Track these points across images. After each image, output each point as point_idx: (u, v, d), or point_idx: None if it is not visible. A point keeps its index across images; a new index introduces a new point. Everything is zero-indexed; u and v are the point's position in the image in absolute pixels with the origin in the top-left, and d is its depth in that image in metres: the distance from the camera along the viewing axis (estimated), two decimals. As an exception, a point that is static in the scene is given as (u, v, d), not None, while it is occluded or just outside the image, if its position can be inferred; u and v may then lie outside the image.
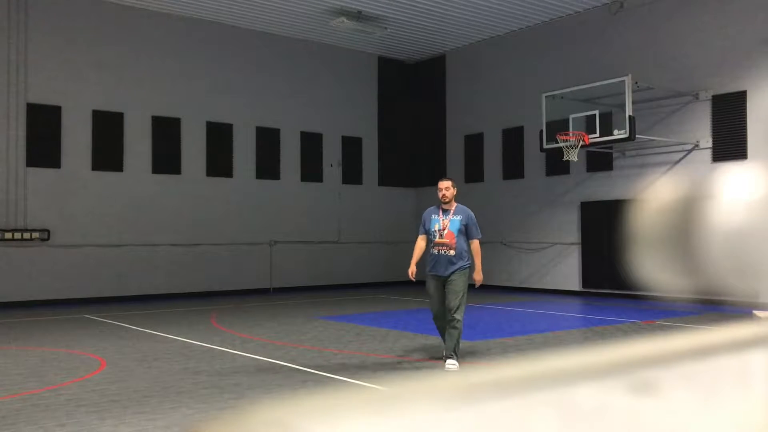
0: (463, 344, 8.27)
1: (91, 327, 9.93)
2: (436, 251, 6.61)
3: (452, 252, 6.52)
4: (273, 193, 16.16)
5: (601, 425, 0.45)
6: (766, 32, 12.00)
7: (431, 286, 6.67)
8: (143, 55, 14.55)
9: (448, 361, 6.48)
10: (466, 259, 6.65)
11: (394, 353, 7.58)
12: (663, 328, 9.57)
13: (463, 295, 6.59)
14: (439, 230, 6.61)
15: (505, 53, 16.36)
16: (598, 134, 12.62)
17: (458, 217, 6.69)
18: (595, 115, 12.75)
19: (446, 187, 6.76)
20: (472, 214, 6.84)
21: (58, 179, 13.55)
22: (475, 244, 6.76)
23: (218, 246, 15.30)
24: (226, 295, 14.93)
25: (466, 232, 6.70)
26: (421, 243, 6.85)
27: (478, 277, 6.78)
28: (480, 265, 6.75)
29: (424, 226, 6.81)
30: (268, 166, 16.17)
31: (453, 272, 6.53)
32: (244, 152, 15.86)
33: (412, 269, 6.79)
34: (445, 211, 6.72)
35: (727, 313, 10.56)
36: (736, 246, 0.57)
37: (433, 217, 6.75)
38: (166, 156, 14.79)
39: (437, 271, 6.58)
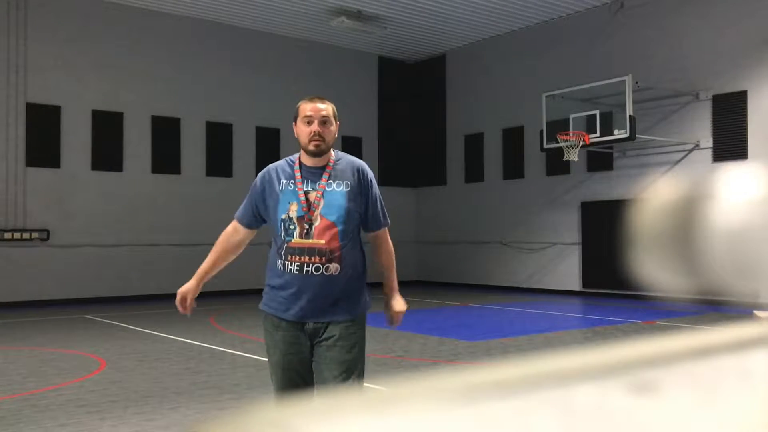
0: (464, 344, 8.28)
1: (91, 327, 9.93)
2: (295, 267, 2.93)
3: (334, 267, 2.92)
4: (273, 193, 16.15)
5: (601, 425, 0.45)
6: (766, 32, 12.00)
7: (277, 346, 3.00)
8: (143, 55, 14.54)
9: None
10: (363, 289, 3.08)
11: (394, 353, 7.58)
12: (663, 328, 9.57)
13: (361, 371, 3.02)
14: (298, 218, 2.94)
15: (505, 53, 16.36)
16: (598, 134, 12.62)
17: (343, 184, 3.00)
18: (595, 115, 12.76)
19: (323, 116, 3.02)
20: (370, 173, 3.10)
21: (58, 179, 13.55)
22: (383, 236, 3.16)
23: (218, 246, 15.27)
24: (226, 295, 14.93)
25: (359, 217, 3.04)
26: (231, 238, 3.20)
27: (399, 307, 3.16)
28: (395, 282, 3.20)
29: (254, 205, 3.10)
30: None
31: (339, 320, 2.97)
32: (243, 152, 15.86)
33: (187, 290, 3.50)
34: (313, 172, 3.02)
35: (727, 313, 10.56)
36: (737, 246, 0.57)
37: (281, 184, 3.02)
38: (165, 156, 14.79)
39: (296, 312, 2.95)
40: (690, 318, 10.28)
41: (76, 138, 13.76)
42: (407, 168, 18.54)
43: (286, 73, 16.43)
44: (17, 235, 12.98)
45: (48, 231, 13.33)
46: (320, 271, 2.94)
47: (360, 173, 3.06)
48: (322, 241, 2.93)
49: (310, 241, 2.93)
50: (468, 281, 16.89)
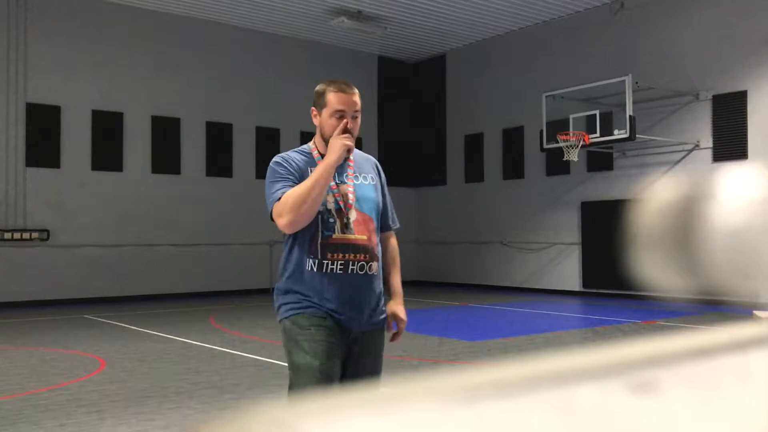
0: (464, 344, 8.28)
1: (91, 327, 9.93)
2: (338, 266, 2.64)
3: (375, 266, 2.73)
4: (273, 193, 16.15)
5: (601, 425, 0.45)
6: (766, 32, 12.00)
7: (320, 347, 2.61)
8: (143, 55, 14.54)
9: None
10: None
11: (394, 353, 7.57)
12: (663, 328, 9.57)
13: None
14: (336, 210, 2.68)
15: (505, 53, 16.36)
16: (598, 134, 12.63)
17: (369, 177, 2.85)
18: (595, 115, 12.76)
19: (356, 111, 2.76)
20: (382, 169, 3.00)
21: (58, 179, 13.55)
22: (394, 238, 3.05)
23: (218, 246, 15.29)
24: (226, 295, 14.93)
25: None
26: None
27: (405, 315, 2.90)
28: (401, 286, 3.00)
29: (295, 179, 2.69)
30: (267, 166, 16.16)
31: (377, 327, 2.80)
32: (243, 152, 15.86)
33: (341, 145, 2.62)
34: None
35: (727, 313, 10.56)
36: (737, 246, 0.57)
37: (307, 173, 2.72)
38: (165, 156, 14.79)
39: (341, 317, 2.65)
40: (690, 318, 10.28)
41: (76, 138, 13.76)
42: (407, 168, 18.54)
43: (286, 73, 16.43)
44: (17, 235, 12.98)
45: (48, 231, 13.33)
46: (364, 270, 2.68)
47: (378, 170, 2.93)
48: (364, 236, 2.68)
49: (353, 236, 2.66)
50: (468, 281, 16.89)
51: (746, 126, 12.20)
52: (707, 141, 12.65)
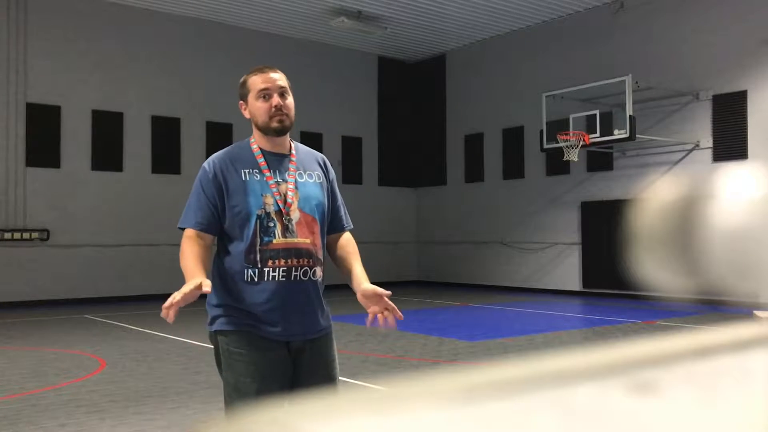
0: (464, 344, 8.28)
1: (91, 327, 9.93)
2: (280, 273, 2.47)
3: (320, 271, 2.61)
4: (273, 193, 16.15)
5: (601, 425, 0.45)
6: (766, 32, 12.00)
7: (258, 372, 2.42)
8: (143, 55, 14.54)
9: None
10: None
11: (394, 353, 7.58)
12: (663, 328, 9.57)
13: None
14: (276, 213, 2.50)
15: (505, 53, 16.36)
16: (598, 134, 12.63)
17: (314, 175, 2.65)
18: (595, 115, 12.77)
19: (281, 86, 2.61)
20: (332, 167, 2.82)
21: (58, 179, 13.55)
22: (349, 239, 2.91)
23: (218, 246, 15.28)
24: (226, 295, 14.92)
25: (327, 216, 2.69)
26: (203, 250, 2.59)
27: (378, 288, 2.56)
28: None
29: (212, 202, 2.54)
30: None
31: (322, 334, 2.60)
32: (244, 152, 15.86)
33: (175, 306, 2.38)
34: (277, 159, 2.64)
35: (727, 313, 10.56)
36: (737, 246, 0.57)
37: (242, 174, 2.58)
38: (165, 156, 14.79)
39: (285, 331, 2.47)
40: (690, 318, 10.28)
41: (76, 138, 13.76)
42: (407, 168, 18.54)
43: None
44: (17, 235, 12.98)
45: (48, 231, 13.32)
46: (308, 276, 2.51)
47: (325, 167, 2.72)
48: (308, 240, 2.52)
49: (296, 240, 2.48)
50: (468, 281, 16.89)
51: (746, 126, 12.20)
52: (707, 141, 12.66)
